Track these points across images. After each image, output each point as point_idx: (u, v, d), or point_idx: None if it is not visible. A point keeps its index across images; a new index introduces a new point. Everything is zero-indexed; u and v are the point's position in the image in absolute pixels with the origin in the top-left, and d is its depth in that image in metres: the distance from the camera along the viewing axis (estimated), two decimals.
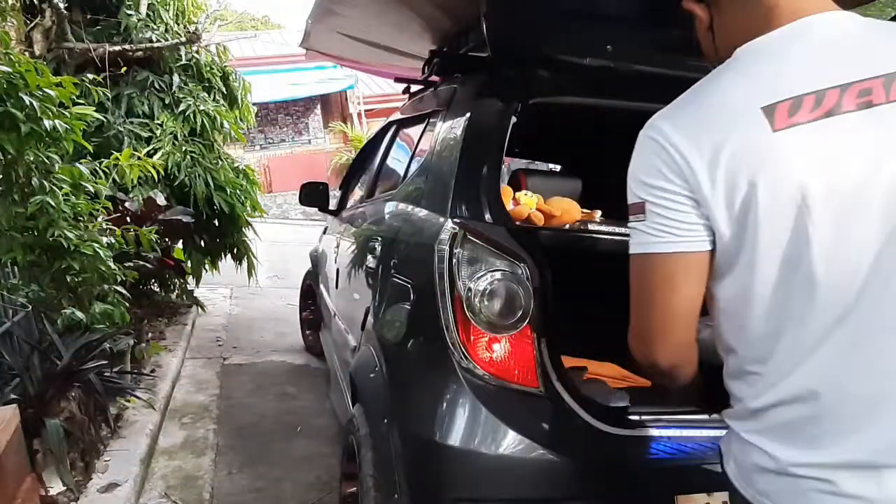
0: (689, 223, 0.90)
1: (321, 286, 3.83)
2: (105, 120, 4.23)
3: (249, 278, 5.29)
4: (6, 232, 2.54)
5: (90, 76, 3.46)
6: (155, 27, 4.79)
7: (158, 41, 4.71)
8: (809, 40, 0.86)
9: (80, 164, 2.84)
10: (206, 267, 5.12)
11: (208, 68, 5.02)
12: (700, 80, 1.05)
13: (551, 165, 4.14)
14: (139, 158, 3.62)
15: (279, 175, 15.40)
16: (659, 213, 0.93)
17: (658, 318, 0.98)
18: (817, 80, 0.82)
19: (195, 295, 5.10)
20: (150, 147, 4.48)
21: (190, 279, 5.03)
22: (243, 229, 5.16)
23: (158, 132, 4.61)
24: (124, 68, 4.56)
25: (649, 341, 1.00)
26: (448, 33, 2.41)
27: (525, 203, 1.99)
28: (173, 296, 5.04)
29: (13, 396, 2.39)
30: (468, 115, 1.77)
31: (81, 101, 2.96)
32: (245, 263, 5.26)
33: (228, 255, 5.24)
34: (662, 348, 0.99)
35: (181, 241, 4.77)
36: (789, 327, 0.85)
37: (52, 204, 2.53)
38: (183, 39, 4.82)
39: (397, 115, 2.95)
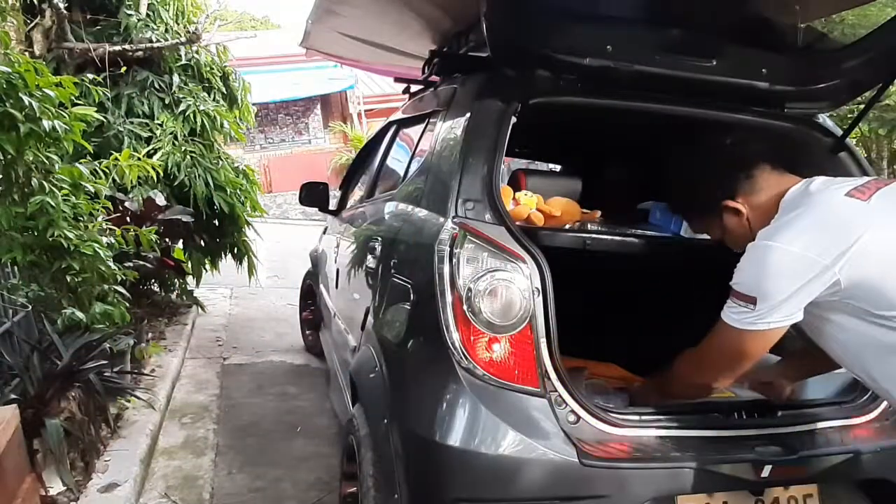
0: None
1: (321, 286, 3.83)
2: (105, 120, 4.22)
3: (250, 278, 5.29)
4: (6, 232, 2.54)
5: (90, 76, 3.46)
6: (155, 27, 4.79)
7: (158, 41, 4.71)
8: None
9: (80, 164, 2.84)
10: (206, 267, 5.12)
11: (208, 68, 5.02)
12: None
13: (551, 165, 4.15)
14: (139, 159, 3.62)
15: (279, 175, 15.40)
16: None
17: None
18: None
19: (195, 295, 5.10)
20: (150, 147, 4.48)
21: (190, 279, 5.03)
22: (243, 229, 5.16)
23: (158, 132, 4.60)
24: (124, 68, 4.56)
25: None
26: (448, 33, 2.41)
27: (525, 203, 1.99)
28: (173, 296, 5.04)
29: (13, 396, 2.39)
30: (468, 115, 1.77)
31: (81, 101, 2.96)
32: (245, 263, 5.26)
33: (228, 255, 5.24)
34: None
35: (181, 241, 4.77)
36: None
37: (52, 204, 2.53)
38: (183, 39, 4.82)
39: (397, 115, 2.95)
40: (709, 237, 1.64)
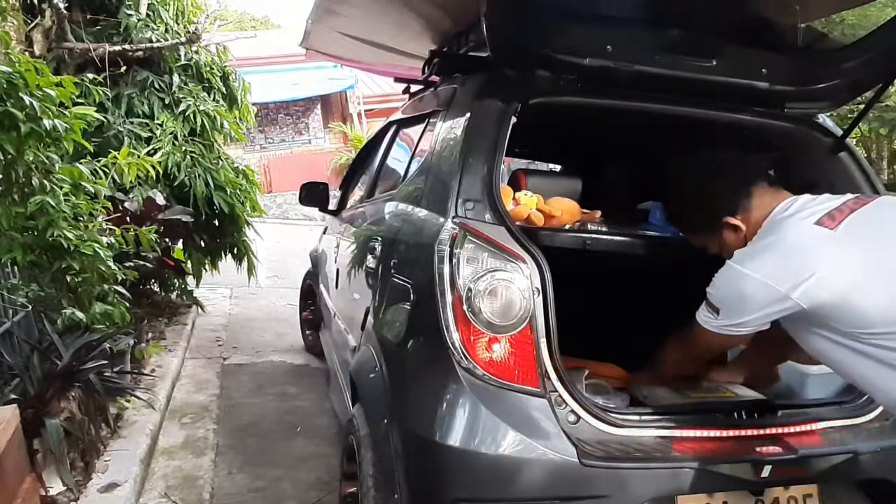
0: None
1: (321, 286, 3.83)
2: (105, 120, 4.22)
3: (250, 278, 5.29)
4: (6, 232, 2.54)
5: (90, 76, 3.46)
6: (155, 27, 4.79)
7: (158, 41, 4.70)
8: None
9: (80, 163, 2.84)
10: (206, 267, 5.12)
11: (208, 68, 5.02)
12: None
13: (551, 165, 4.14)
14: (137, 157, 3.62)
15: (279, 175, 15.38)
16: None
17: None
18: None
19: (195, 295, 5.10)
20: (150, 147, 4.47)
21: (190, 279, 5.03)
22: (243, 229, 5.16)
23: (158, 132, 4.60)
24: (124, 68, 4.56)
25: None
26: (448, 33, 2.41)
27: (525, 203, 1.99)
28: (173, 296, 5.04)
29: (13, 396, 2.39)
30: (468, 115, 1.77)
31: (81, 101, 2.96)
32: (245, 263, 5.26)
33: (228, 255, 5.24)
34: None
35: (181, 240, 4.77)
36: None
37: (52, 204, 2.53)
38: (183, 39, 4.82)
39: (397, 116, 2.95)
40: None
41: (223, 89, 5.17)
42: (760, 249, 1.43)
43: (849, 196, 1.46)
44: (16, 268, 2.86)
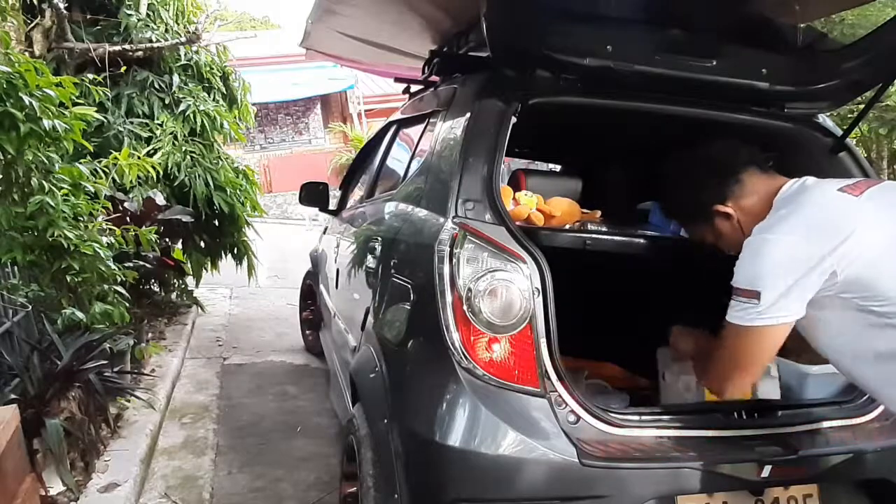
0: None
1: (321, 286, 3.83)
2: (105, 120, 4.22)
3: (249, 278, 5.29)
4: (6, 232, 2.54)
5: (90, 76, 3.46)
6: (155, 27, 4.78)
7: (158, 41, 4.70)
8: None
9: (80, 163, 2.84)
10: (206, 267, 5.12)
11: (208, 68, 5.02)
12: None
13: (551, 165, 4.14)
14: (138, 158, 3.62)
15: (279, 175, 15.39)
16: None
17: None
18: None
19: (195, 295, 5.10)
20: (150, 147, 4.48)
21: (190, 279, 5.03)
22: (243, 229, 5.16)
23: (158, 132, 4.60)
24: (124, 68, 4.55)
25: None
26: (448, 33, 2.41)
27: (525, 203, 1.99)
28: (173, 296, 5.04)
29: (13, 396, 2.39)
30: (468, 115, 1.77)
31: (81, 101, 2.95)
32: (245, 263, 5.26)
33: (228, 255, 5.24)
34: None
35: (181, 240, 4.77)
36: None
37: (52, 204, 2.53)
38: (183, 39, 4.82)
39: (397, 116, 2.95)
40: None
41: (223, 89, 5.17)
42: (786, 215, 1.35)
43: (856, 179, 1.46)
44: (16, 268, 2.86)
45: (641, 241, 2.05)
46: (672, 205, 1.74)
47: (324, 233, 4.08)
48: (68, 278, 2.73)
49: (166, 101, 4.73)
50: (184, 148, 4.63)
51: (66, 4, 4.40)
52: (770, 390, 1.73)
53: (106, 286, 2.98)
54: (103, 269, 2.83)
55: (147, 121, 4.63)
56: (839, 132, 2.01)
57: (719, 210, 1.52)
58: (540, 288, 1.47)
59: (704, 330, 1.72)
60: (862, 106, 2.32)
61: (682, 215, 1.71)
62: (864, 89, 2.01)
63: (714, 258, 2.03)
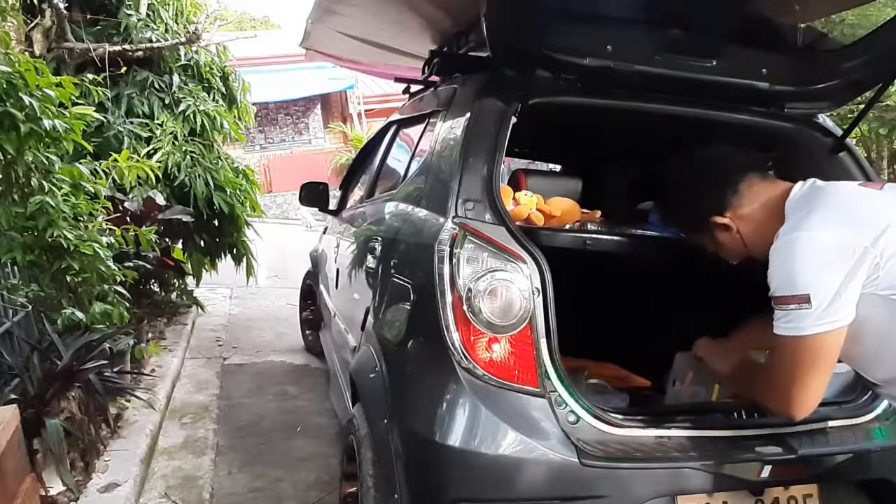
0: None
1: (321, 286, 3.83)
2: (105, 120, 4.22)
3: (248, 279, 5.30)
4: (6, 232, 2.54)
5: (90, 76, 3.45)
6: (155, 27, 4.78)
7: (158, 41, 4.70)
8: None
9: (80, 164, 2.84)
10: (206, 267, 5.12)
11: (208, 68, 5.02)
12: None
13: (551, 165, 4.14)
14: (138, 160, 3.62)
15: (279, 175, 15.40)
16: None
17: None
18: None
19: (195, 295, 5.10)
20: (150, 147, 4.48)
21: (190, 279, 5.03)
22: (243, 229, 5.16)
23: (158, 132, 4.60)
24: (124, 68, 4.55)
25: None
26: (448, 33, 2.41)
27: (525, 203, 1.99)
28: (173, 296, 5.04)
29: (13, 396, 2.39)
30: (468, 115, 1.77)
31: (81, 101, 2.95)
32: (244, 264, 5.26)
33: (228, 256, 5.24)
34: None
35: (181, 241, 4.77)
36: None
37: (52, 204, 2.53)
38: (183, 39, 4.82)
39: (397, 116, 2.95)
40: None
41: (223, 89, 5.17)
42: (810, 213, 1.26)
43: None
44: (16, 268, 2.86)
45: (641, 241, 2.05)
46: (670, 213, 1.70)
47: (324, 233, 4.08)
48: (68, 278, 2.73)
49: (166, 101, 4.73)
50: (184, 148, 4.63)
51: (66, 4, 4.40)
52: None
53: (106, 286, 2.98)
54: (103, 269, 2.83)
55: (147, 121, 4.63)
56: (839, 132, 2.01)
57: (717, 222, 1.48)
58: (540, 288, 1.47)
59: (732, 339, 1.69)
60: (862, 106, 2.32)
61: (681, 224, 1.66)
62: (864, 89, 2.01)
63: (713, 258, 2.03)
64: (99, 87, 3.20)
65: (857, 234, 1.20)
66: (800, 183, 1.40)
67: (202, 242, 5.02)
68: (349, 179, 3.86)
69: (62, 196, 2.62)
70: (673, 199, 1.60)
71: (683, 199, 1.54)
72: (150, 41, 4.67)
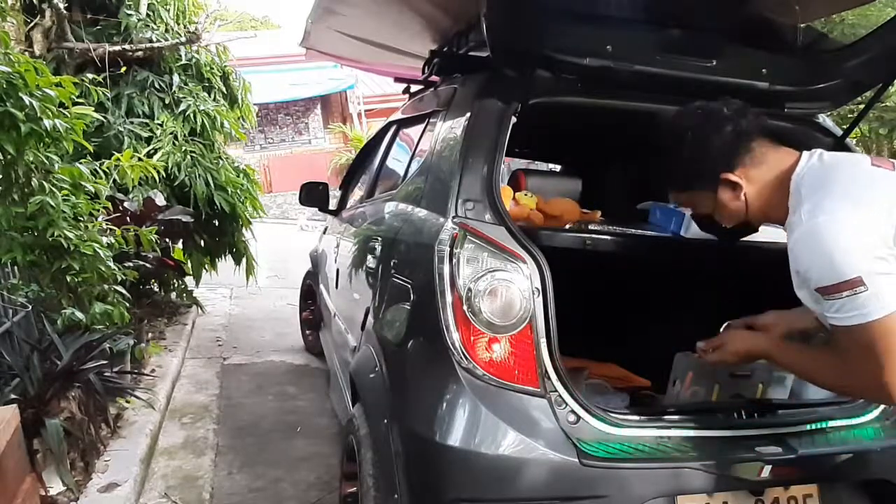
0: None
1: (321, 286, 3.83)
2: (105, 120, 4.22)
3: (247, 279, 5.30)
4: (6, 232, 2.54)
5: (90, 76, 3.46)
6: (155, 27, 4.79)
7: (158, 41, 4.71)
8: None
9: (80, 164, 2.84)
10: (206, 267, 5.12)
11: (208, 68, 5.02)
12: None
13: (551, 165, 4.15)
14: (140, 159, 3.62)
15: (279, 175, 15.40)
16: None
17: None
18: None
19: (195, 295, 5.10)
20: (151, 147, 4.48)
21: (189, 279, 5.03)
22: (243, 229, 5.17)
23: (158, 132, 4.60)
24: (124, 68, 4.56)
25: None
26: (448, 33, 2.41)
27: (525, 203, 1.99)
28: (173, 296, 5.04)
29: (13, 396, 2.40)
30: (468, 115, 1.77)
31: (81, 101, 2.95)
32: (244, 264, 5.26)
33: (228, 256, 5.24)
34: None
35: (181, 241, 4.77)
36: None
37: (52, 204, 2.53)
38: (183, 39, 4.82)
39: (397, 116, 2.95)
40: (697, 212, 1.53)
41: (223, 89, 5.17)
42: (829, 193, 1.21)
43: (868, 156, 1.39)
44: (16, 268, 2.86)
45: (641, 240, 2.05)
46: (672, 166, 1.49)
47: (324, 233, 4.08)
48: (68, 278, 2.73)
49: (166, 101, 4.73)
50: (184, 148, 4.63)
51: (66, 4, 4.40)
52: (779, 393, 1.74)
53: (106, 286, 2.98)
54: (103, 269, 2.83)
55: (147, 121, 4.63)
56: (839, 132, 2.01)
57: (727, 178, 1.37)
58: (540, 288, 1.47)
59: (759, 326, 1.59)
60: (862, 106, 2.32)
61: (681, 179, 1.49)
62: (864, 89, 2.01)
63: (713, 258, 2.03)
64: (99, 87, 3.20)
65: (888, 214, 1.16)
66: (805, 155, 1.34)
67: (202, 242, 5.03)
68: (349, 179, 3.86)
69: (62, 196, 2.62)
70: (682, 150, 1.43)
71: (695, 151, 1.40)
72: (150, 41, 4.68)
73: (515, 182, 2.23)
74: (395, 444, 1.57)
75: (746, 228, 1.51)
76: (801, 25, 1.95)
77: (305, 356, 4.48)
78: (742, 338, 1.52)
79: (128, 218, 3.73)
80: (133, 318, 3.41)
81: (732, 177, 1.37)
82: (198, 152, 4.69)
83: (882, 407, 1.63)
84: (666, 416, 1.54)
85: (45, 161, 2.56)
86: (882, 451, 1.57)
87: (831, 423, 1.60)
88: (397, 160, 2.69)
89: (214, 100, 5.02)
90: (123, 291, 3.12)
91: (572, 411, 1.44)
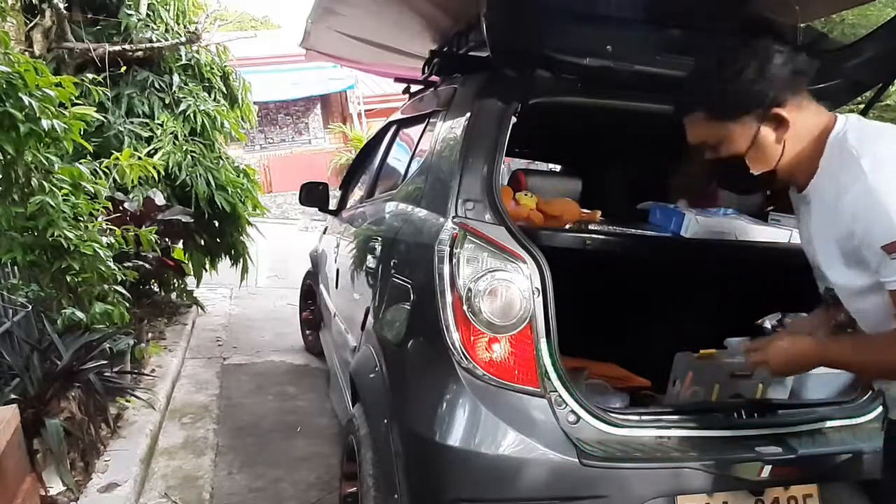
0: None
1: (321, 286, 3.83)
2: (105, 120, 4.22)
3: (242, 280, 5.31)
4: (6, 232, 2.54)
5: (90, 76, 3.46)
6: (155, 27, 4.79)
7: (158, 41, 4.71)
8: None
9: (80, 164, 2.84)
10: (206, 267, 5.12)
11: (208, 68, 5.02)
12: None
13: (551, 165, 4.15)
14: (139, 158, 3.62)
15: (279, 175, 15.39)
16: None
17: None
18: None
19: (195, 295, 5.10)
20: (151, 147, 4.48)
21: (190, 279, 5.03)
22: (243, 229, 5.16)
23: (159, 132, 4.61)
24: (124, 68, 4.56)
25: None
26: (448, 33, 2.41)
27: (525, 203, 1.99)
28: (173, 296, 5.04)
29: (13, 396, 2.40)
30: (468, 115, 1.77)
31: (81, 101, 2.95)
32: (241, 265, 5.26)
33: (228, 256, 5.25)
34: None
35: (182, 241, 4.77)
36: None
37: (52, 204, 2.53)
38: (183, 39, 4.82)
39: (397, 116, 2.95)
40: (717, 157, 1.36)
41: (223, 89, 5.17)
42: (881, 159, 1.15)
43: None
44: (16, 268, 2.86)
45: (641, 240, 2.05)
46: (724, 89, 1.30)
47: (324, 233, 4.08)
48: (68, 278, 2.73)
49: (166, 101, 4.73)
50: (184, 147, 4.63)
51: (66, 4, 4.40)
52: (779, 393, 1.74)
53: (106, 286, 2.98)
54: (103, 269, 2.83)
55: (147, 121, 4.63)
56: None
57: (778, 113, 1.26)
58: (540, 288, 1.47)
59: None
60: (862, 106, 2.32)
61: (731, 105, 1.31)
62: (864, 89, 2.01)
63: (713, 258, 2.03)
64: (99, 87, 3.20)
65: None
66: (841, 118, 1.28)
67: (202, 242, 5.03)
68: (349, 179, 3.86)
69: (62, 196, 2.62)
70: (742, 72, 1.27)
71: (759, 74, 1.27)
72: (151, 41, 4.68)
73: (515, 182, 2.23)
74: (395, 444, 1.57)
75: (758, 185, 1.39)
76: (801, 25, 1.95)
77: (305, 356, 4.48)
78: (788, 346, 1.37)
79: (127, 218, 3.73)
80: (133, 318, 3.41)
81: (784, 112, 1.26)
82: (198, 152, 4.69)
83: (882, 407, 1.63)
84: (666, 416, 1.54)
85: (45, 161, 2.56)
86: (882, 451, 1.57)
87: (831, 423, 1.60)
88: (397, 160, 2.69)
89: (214, 100, 5.01)
90: (123, 291, 3.12)
91: (572, 411, 1.44)
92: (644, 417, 1.52)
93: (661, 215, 2.17)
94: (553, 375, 1.45)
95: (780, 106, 1.26)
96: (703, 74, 1.36)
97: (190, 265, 4.95)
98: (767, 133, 1.28)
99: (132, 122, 4.56)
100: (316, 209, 3.84)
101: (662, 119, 1.90)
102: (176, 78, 4.78)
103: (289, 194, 14.20)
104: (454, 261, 1.49)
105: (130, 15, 4.68)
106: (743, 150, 1.31)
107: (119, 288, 3.09)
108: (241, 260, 5.25)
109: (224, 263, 5.33)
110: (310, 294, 4.47)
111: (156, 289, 4.87)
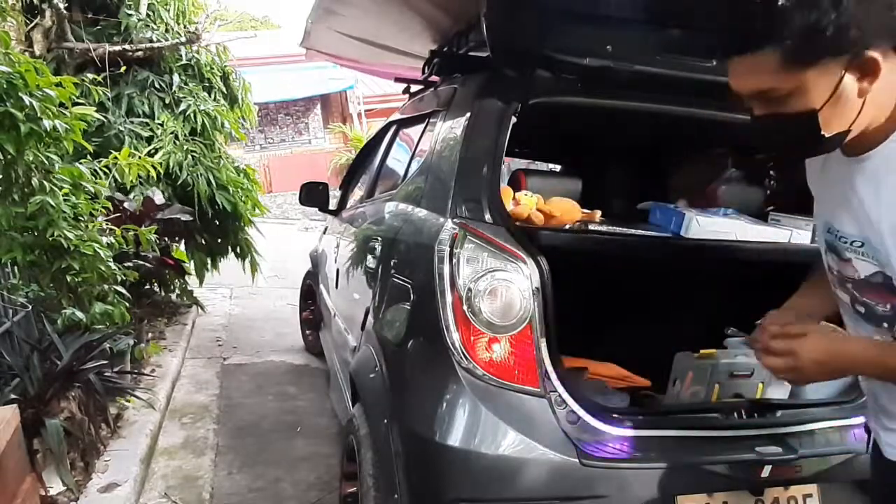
0: None
1: (321, 286, 3.83)
2: (105, 120, 4.23)
3: (254, 276, 5.30)
4: (6, 232, 2.54)
5: (90, 76, 3.46)
6: (155, 27, 4.79)
7: (158, 41, 4.71)
8: None
9: (80, 163, 2.84)
10: (207, 266, 5.13)
11: (208, 68, 5.03)
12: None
13: (551, 165, 4.14)
14: (138, 157, 3.62)
15: (279, 175, 15.39)
16: None
17: None
18: None
19: (195, 295, 5.10)
20: (151, 147, 4.48)
21: (191, 279, 5.04)
22: (246, 227, 5.17)
23: (159, 132, 4.61)
24: (124, 68, 4.56)
25: None
26: (448, 33, 2.41)
27: (525, 203, 1.99)
28: (173, 296, 5.04)
29: (13, 396, 2.40)
30: (468, 115, 1.77)
31: (81, 101, 2.96)
32: (248, 262, 5.26)
33: (230, 255, 5.25)
34: None
35: (183, 240, 4.77)
36: None
37: (52, 204, 2.53)
38: (183, 39, 4.83)
39: (397, 116, 2.95)
40: (775, 113, 1.07)
41: (223, 89, 5.18)
42: None
43: None
44: (16, 268, 2.86)
45: (641, 240, 2.05)
46: (810, 28, 0.99)
47: (324, 233, 4.08)
48: (68, 278, 2.73)
49: (167, 101, 4.74)
50: (185, 147, 4.63)
51: (66, 4, 4.40)
52: (779, 392, 1.74)
53: (106, 286, 2.98)
54: (103, 269, 2.83)
55: (147, 120, 4.64)
56: None
57: (871, 57, 0.99)
58: (540, 288, 1.47)
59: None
60: None
61: (818, 47, 1.00)
62: None
63: (713, 258, 2.03)
64: (99, 87, 3.20)
65: None
66: None
67: (203, 241, 5.03)
68: (349, 179, 3.86)
69: (62, 196, 2.62)
70: (837, 8, 0.97)
71: (858, 12, 0.98)
72: (151, 41, 4.68)
73: (515, 182, 2.22)
74: (395, 444, 1.57)
75: (816, 150, 1.13)
76: None
77: (305, 356, 4.48)
78: (828, 342, 1.10)
79: (127, 217, 3.73)
80: (133, 318, 3.41)
81: (878, 54, 0.99)
82: (199, 152, 4.70)
83: None
84: (666, 416, 1.54)
85: (45, 161, 2.56)
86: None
87: (831, 423, 1.60)
88: (397, 160, 2.69)
89: (215, 100, 5.02)
90: (123, 291, 3.12)
91: (572, 411, 1.44)
92: (644, 417, 1.52)
93: (661, 215, 2.17)
94: (553, 375, 1.45)
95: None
96: (785, 4, 1.01)
97: (192, 265, 4.95)
98: (849, 84, 1.02)
99: (132, 122, 4.57)
100: (316, 209, 3.84)
101: (662, 119, 1.90)
102: (176, 78, 4.78)
103: (289, 194, 14.18)
104: (454, 261, 1.49)
105: (130, 15, 4.68)
106: (818, 103, 1.03)
107: (119, 288, 3.09)
108: (249, 257, 5.25)
109: (225, 263, 5.33)
110: (310, 294, 4.47)
111: (156, 289, 4.87)
